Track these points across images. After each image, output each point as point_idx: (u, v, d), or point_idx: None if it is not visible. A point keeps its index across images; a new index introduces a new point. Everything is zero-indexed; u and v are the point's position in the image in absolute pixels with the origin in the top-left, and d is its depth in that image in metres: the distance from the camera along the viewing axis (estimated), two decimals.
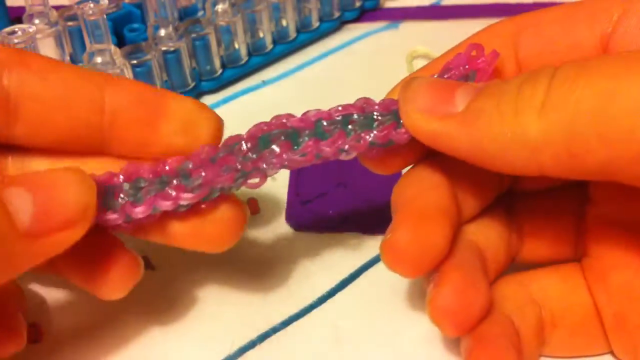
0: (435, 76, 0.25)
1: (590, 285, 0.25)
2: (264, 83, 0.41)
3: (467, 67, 0.25)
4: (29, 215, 0.21)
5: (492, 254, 0.25)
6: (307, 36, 0.43)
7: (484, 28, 0.26)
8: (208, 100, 0.40)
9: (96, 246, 0.24)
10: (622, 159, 0.19)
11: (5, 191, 0.21)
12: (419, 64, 0.40)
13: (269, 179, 0.24)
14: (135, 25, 0.40)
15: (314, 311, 0.28)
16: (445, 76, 0.25)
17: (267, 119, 0.26)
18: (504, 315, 0.24)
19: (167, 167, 0.24)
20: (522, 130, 0.20)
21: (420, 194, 0.24)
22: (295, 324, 0.27)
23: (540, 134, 0.20)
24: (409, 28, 0.45)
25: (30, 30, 0.36)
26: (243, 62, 0.41)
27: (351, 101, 0.24)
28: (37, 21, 0.39)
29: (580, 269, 0.26)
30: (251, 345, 0.27)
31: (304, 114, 0.24)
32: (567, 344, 0.25)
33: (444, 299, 0.23)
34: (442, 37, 0.43)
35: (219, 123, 0.25)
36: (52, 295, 0.29)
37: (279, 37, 0.42)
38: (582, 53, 0.24)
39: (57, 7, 0.40)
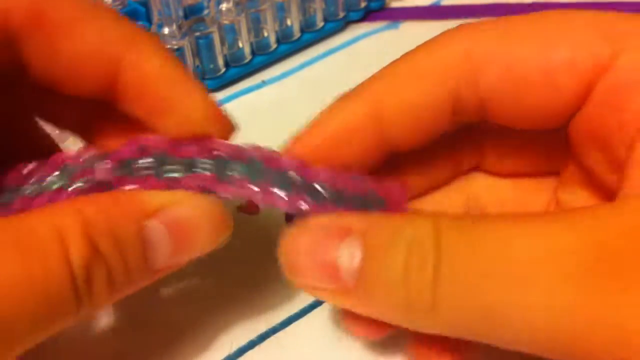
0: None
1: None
2: (264, 83, 0.41)
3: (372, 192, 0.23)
4: (164, 259, 0.22)
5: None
6: (311, 36, 0.43)
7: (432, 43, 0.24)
8: None
9: None
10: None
11: (147, 226, 0.21)
12: None
13: None
14: (140, 23, 0.40)
15: (314, 311, 0.28)
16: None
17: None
18: None
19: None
20: (416, 322, 0.20)
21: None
22: (295, 324, 0.27)
23: (432, 327, 0.20)
24: (409, 28, 0.45)
25: None
26: (246, 61, 0.41)
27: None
28: None
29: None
30: (251, 345, 0.27)
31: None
32: None
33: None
34: None
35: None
36: None
37: (283, 36, 0.42)
38: (560, 99, 0.22)
39: None
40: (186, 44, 0.38)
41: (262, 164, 0.22)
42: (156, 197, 0.22)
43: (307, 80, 0.41)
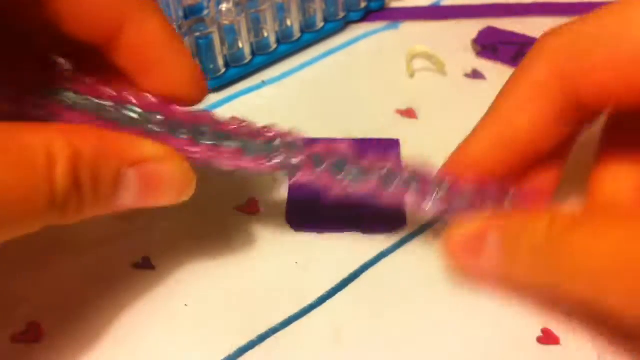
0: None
1: None
2: (264, 83, 0.41)
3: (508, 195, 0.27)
4: (128, 202, 0.24)
5: None
6: (312, 36, 0.43)
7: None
8: (211, 99, 0.40)
9: None
10: None
11: (124, 172, 0.23)
12: (418, 63, 0.41)
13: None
14: None
15: (314, 311, 0.28)
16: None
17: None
18: None
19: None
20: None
21: None
22: (295, 324, 0.27)
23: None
24: (409, 28, 0.45)
25: None
26: (246, 61, 0.41)
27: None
28: None
29: None
30: (251, 345, 0.27)
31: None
32: None
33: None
34: (442, 37, 0.43)
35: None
36: (52, 295, 0.29)
37: (283, 36, 0.42)
38: None
39: None
40: (186, 44, 0.38)
41: (415, 176, 0.27)
42: (142, 147, 0.24)
43: (307, 81, 0.41)
